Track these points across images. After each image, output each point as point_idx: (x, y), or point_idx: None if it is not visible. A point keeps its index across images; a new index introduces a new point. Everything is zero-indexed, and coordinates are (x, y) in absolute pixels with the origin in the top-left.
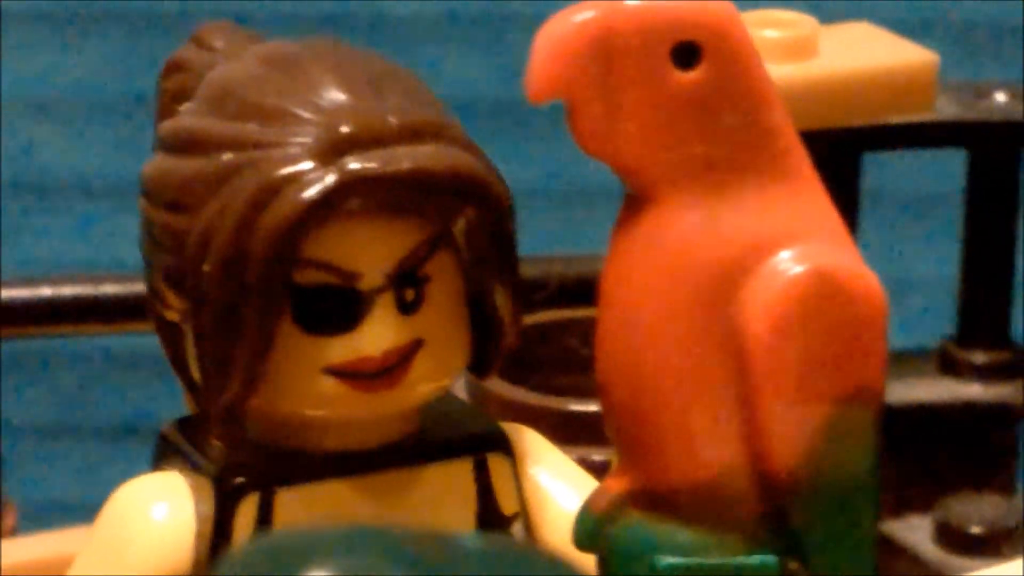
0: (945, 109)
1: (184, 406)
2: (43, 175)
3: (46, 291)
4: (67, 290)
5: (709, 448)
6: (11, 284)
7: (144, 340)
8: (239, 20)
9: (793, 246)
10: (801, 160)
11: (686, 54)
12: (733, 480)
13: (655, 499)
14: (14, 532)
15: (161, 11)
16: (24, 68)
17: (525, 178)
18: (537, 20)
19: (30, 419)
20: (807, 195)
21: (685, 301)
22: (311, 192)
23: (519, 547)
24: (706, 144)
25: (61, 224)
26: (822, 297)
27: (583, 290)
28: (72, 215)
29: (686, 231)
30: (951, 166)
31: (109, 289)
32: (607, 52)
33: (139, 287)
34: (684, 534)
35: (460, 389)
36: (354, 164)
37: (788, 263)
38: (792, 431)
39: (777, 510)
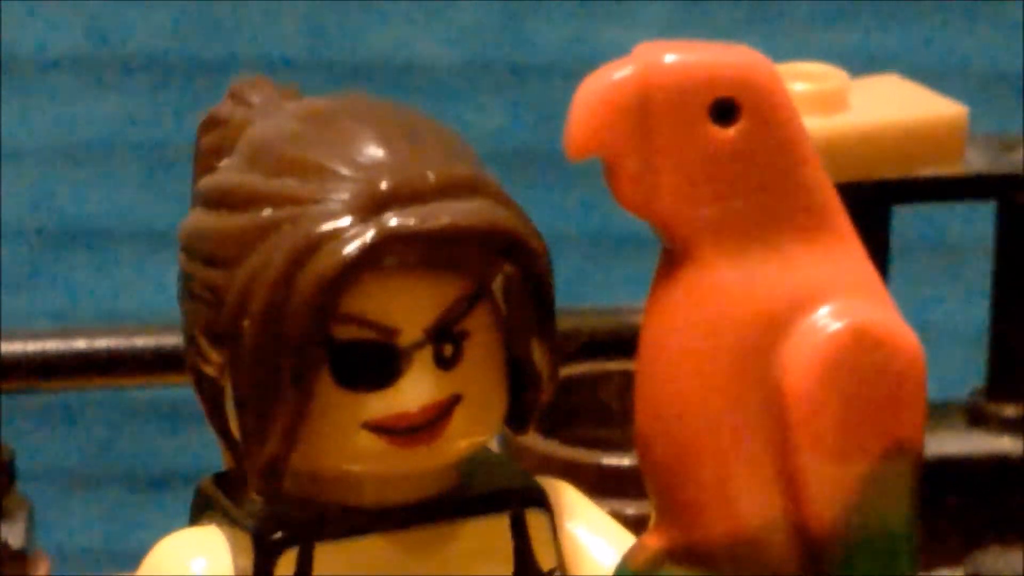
0: (974, 161)
1: (214, 456)
2: (69, 222)
3: (81, 343)
4: (102, 342)
5: (748, 503)
6: (45, 336)
7: (174, 391)
8: (266, 67)
9: (831, 302)
10: (838, 215)
11: (724, 110)
12: (772, 535)
13: (694, 555)
14: None
15: (186, 59)
16: (49, 115)
17: (554, 227)
18: (563, 69)
19: (59, 468)
20: (845, 250)
21: (724, 357)
22: (350, 248)
23: None
24: (744, 200)
25: (86, 272)
26: (860, 353)
27: (616, 342)
28: (97, 263)
29: (724, 287)
30: (981, 218)
31: (142, 342)
32: (645, 109)
33: (172, 340)
34: None
35: (493, 442)
36: (393, 220)
37: (827, 319)
38: (831, 486)
39: (816, 565)
